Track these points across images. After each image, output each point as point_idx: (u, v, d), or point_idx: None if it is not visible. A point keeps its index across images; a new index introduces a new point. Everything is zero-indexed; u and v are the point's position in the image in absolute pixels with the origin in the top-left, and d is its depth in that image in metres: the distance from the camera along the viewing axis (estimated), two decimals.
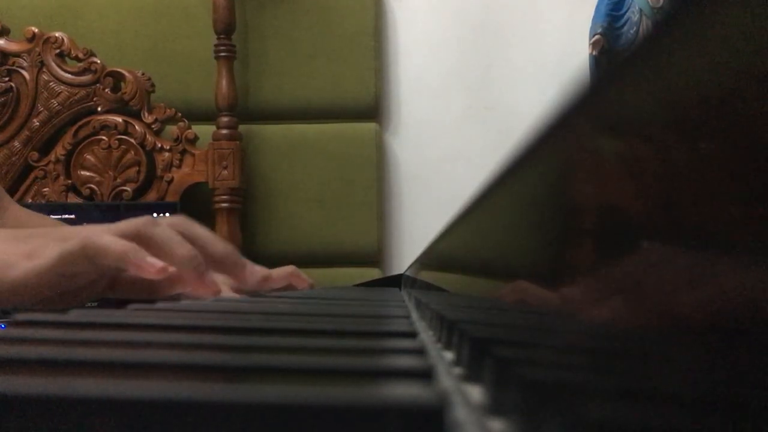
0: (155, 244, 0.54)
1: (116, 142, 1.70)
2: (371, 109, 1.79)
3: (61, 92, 1.70)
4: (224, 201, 1.67)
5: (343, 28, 1.78)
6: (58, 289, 0.53)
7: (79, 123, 1.71)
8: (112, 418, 0.14)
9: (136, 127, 1.70)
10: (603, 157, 0.16)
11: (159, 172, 1.70)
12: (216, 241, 0.59)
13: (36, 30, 1.71)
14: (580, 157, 0.17)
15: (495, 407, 0.20)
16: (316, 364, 0.19)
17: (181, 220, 0.58)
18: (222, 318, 0.35)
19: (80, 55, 1.71)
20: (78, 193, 1.70)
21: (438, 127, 1.83)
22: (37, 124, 1.71)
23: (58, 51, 1.71)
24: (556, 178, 0.20)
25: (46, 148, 1.72)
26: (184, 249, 0.54)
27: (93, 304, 1.00)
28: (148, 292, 0.58)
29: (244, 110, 1.74)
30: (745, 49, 0.10)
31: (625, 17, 1.65)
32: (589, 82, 0.16)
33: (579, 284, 0.17)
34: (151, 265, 0.52)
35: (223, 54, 1.68)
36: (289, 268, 0.74)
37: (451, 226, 0.48)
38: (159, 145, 1.70)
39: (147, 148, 1.70)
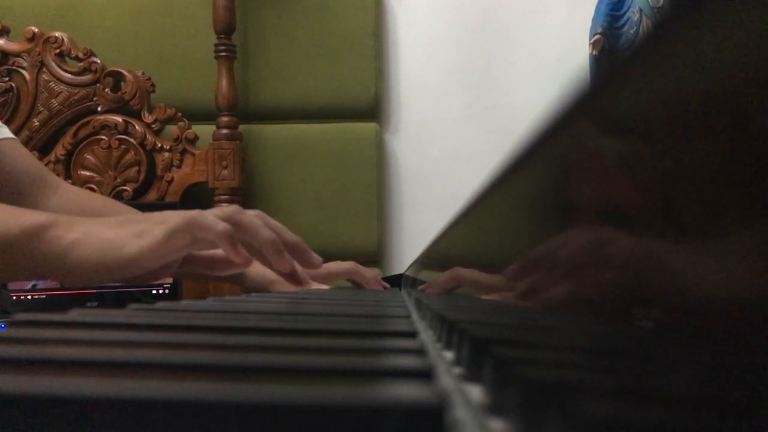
0: (244, 228, 0.64)
1: (116, 141, 1.70)
2: (371, 109, 1.79)
3: (61, 92, 1.70)
4: (224, 201, 1.67)
5: (343, 28, 1.78)
6: (163, 262, 0.61)
7: (79, 123, 1.71)
8: (112, 418, 0.14)
9: (136, 126, 1.70)
10: (602, 157, 0.16)
11: (159, 172, 1.70)
12: (287, 231, 0.70)
13: (36, 30, 1.71)
14: (579, 156, 0.17)
15: (495, 407, 0.20)
16: (316, 364, 0.19)
17: (259, 213, 0.68)
18: (222, 318, 0.35)
19: (80, 55, 1.71)
20: None
21: (438, 127, 1.83)
22: (37, 123, 1.71)
23: (58, 51, 1.71)
24: (555, 177, 0.20)
25: (46, 148, 1.72)
26: (267, 232, 0.65)
27: (93, 304, 1.01)
28: (210, 269, 0.69)
29: (244, 110, 1.74)
30: (745, 48, 0.10)
31: (625, 17, 1.65)
32: (589, 82, 0.16)
33: (579, 284, 0.17)
34: (241, 252, 0.63)
35: (223, 54, 1.68)
36: (350, 264, 0.91)
37: (451, 226, 0.48)
38: (159, 145, 1.70)
39: (147, 148, 1.70)
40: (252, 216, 0.66)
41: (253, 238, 0.64)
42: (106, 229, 0.61)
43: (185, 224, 0.61)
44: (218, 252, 0.67)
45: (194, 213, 0.62)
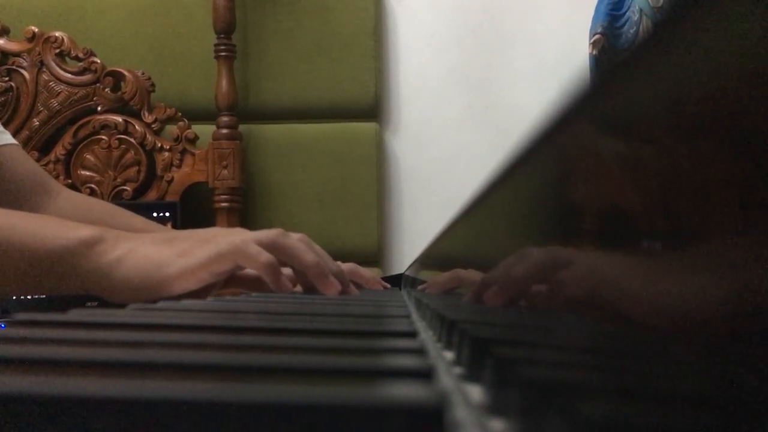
0: (288, 251, 0.64)
1: (116, 141, 1.70)
2: (371, 109, 1.79)
3: (61, 92, 1.70)
4: (224, 201, 1.67)
5: (343, 28, 1.78)
6: (203, 284, 0.61)
7: (79, 123, 1.71)
8: (112, 418, 0.14)
9: (136, 126, 1.70)
10: (602, 157, 0.16)
11: (159, 172, 1.70)
12: (330, 258, 0.69)
13: (36, 30, 1.71)
14: (579, 156, 0.17)
15: (495, 407, 0.20)
16: (316, 364, 0.19)
17: (303, 236, 0.68)
18: (222, 318, 0.35)
19: (80, 55, 1.71)
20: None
21: (438, 127, 1.83)
22: (37, 123, 1.71)
23: (58, 51, 1.71)
24: (555, 177, 0.20)
25: (46, 148, 1.72)
26: (311, 256, 0.64)
27: (93, 304, 1.01)
28: (256, 289, 0.69)
29: (244, 110, 1.74)
30: (745, 48, 0.10)
31: (625, 17, 1.65)
32: (589, 82, 0.16)
33: (579, 284, 0.17)
34: (284, 283, 0.62)
35: (223, 54, 1.68)
36: (349, 265, 0.90)
37: (451, 226, 0.48)
38: (159, 145, 1.70)
39: (147, 148, 1.70)
40: (296, 239, 0.66)
41: (296, 261, 0.64)
42: (149, 247, 0.61)
43: (229, 251, 0.61)
44: None
45: (239, 241, 0.61)
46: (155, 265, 0.60)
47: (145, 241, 0.62)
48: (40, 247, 0.60)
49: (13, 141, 0.90)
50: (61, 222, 0.63)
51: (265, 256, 0.61)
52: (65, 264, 0.60)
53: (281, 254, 0.63)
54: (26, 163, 0.91)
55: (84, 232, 0.61)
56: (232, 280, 0.68)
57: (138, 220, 0.94)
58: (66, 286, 0.61)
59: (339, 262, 0.94)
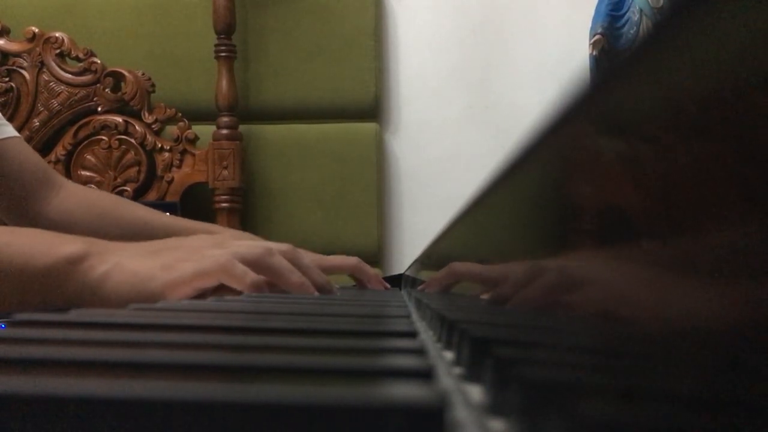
0: (273, 273, 0.64)
1: (116, 142, 1.70)
2: (371, 109, 1.79)
3: (61, 92, 1.70)
4: (224, 201, 1.67)
5: (343, 28, 1.78)
6: (187, 298, 0.60)
7: (80, 123, 1.71)
8: (112, 418, 0.14)
9: (137, 127, 1.70)
10: (602, 157, 0.16)
11: (159, 172, 1.70)
12: (317, 272, 0.69)
13: (36, 30, 1.71)
14: (579, 156, 0.17)
15: (495, 407, 0.20)
16: (316, 364, 0.19)
17: (290, 249, 0.67)
18: (222, 318, 0.35)
19: (80, 55, 1.71)
20: None
21: (438, 127, 1.83)
22: (38, 124, 1.71)
23: (58, 51, 1.71)
24: (555, 177, 0.20)
25: (46, 148, 1.72)
26: (295, 277, 0.65)
27: None
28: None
29: (244, 110, 1.74)
30: (745, 48, 0.10)
31: (625, 17, 1.65)
32: (589, 82, 0.16)
33: (579, 284, 0.17)
34: None
35: (223, 54, 1.68)
36: (354, 260, 0.91)
37: (452, 226, 0.48)
38: (159, 145, 1.70)
39: (147, 148, 1.70)
40: (282, 255, 0.65)
41: (281, 283, 0.64)
42: (135, 260, 0.61)
43: (215, 270, 0.60)
44: None
45: (224, 259, 0.61)
46: (140, 280, 0.60)
47: (132, 253, 0.62)
48: (26, 266, 0.59)
49: (16, 134, 0.90)
50: (47, 237, 0.63)
51: (251, 277, 0.61)
52: (51, 282, 0.60)
53: (265, 274, 0.63)
54: (29, 156, 0.91)
55: (69, 248, 0.60)
56: (222, 288, 0.69)
57: (141, 209, 0.95)
58: (53, 302, 0.61)
59: (344, 256, 0.94)
